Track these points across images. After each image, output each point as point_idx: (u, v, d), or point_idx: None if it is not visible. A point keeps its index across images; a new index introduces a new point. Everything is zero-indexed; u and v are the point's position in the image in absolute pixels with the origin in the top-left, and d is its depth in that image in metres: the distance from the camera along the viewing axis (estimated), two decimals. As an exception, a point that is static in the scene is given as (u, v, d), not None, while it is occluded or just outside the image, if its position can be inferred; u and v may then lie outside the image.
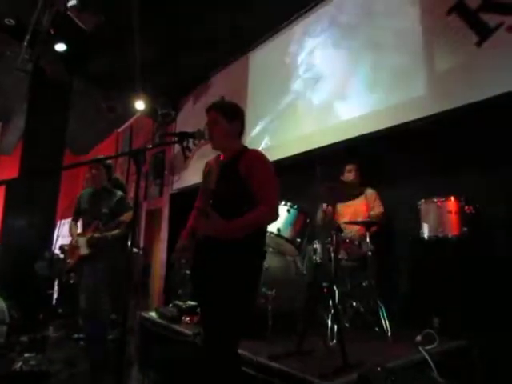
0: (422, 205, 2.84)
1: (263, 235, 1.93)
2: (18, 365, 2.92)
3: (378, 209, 3.37)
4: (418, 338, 2.50)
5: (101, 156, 5.24)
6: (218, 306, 1.75)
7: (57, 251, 4.61)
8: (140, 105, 5.99)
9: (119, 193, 3.36)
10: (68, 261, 3.28)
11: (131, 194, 6.14)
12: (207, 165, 2.11)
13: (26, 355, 3.12)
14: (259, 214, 1.76)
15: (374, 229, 3.14)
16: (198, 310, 2.99)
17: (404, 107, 3.31)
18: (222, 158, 2.01)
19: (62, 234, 4.27)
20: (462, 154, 3.04)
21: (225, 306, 1.73)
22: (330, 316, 2.70)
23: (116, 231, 3.19)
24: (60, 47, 4.99)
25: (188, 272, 1.98)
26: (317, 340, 2.60)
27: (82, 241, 3.20)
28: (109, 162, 3.40)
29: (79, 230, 3.35)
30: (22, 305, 3.79)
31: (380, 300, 2.83)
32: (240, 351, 2.39)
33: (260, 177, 1.80)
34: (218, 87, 5.60)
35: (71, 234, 3.38)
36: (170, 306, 3.56)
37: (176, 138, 1.98)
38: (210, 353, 1.77)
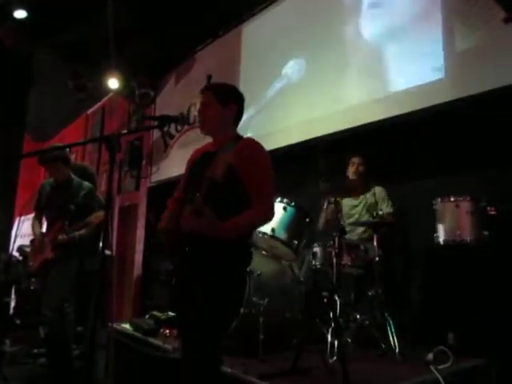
0: (438, 205, 2.86)
1: (249, 238, 1.97)
2: (-27, 380, 2.92)
3: (387, 209, 3.39)
4: (430, 356, 2.51)
5: (59, 144, 5.12)
6: (197, 317, 1.77)
7: (15, 253, 4.57)
8: (114, 83, 5.93)
9: (86, 184, 3.33)
10: (30, 264, 3.26)
11: (102, 188, 6.12)
12: (195, 153, 2.11)
13: (-19, 371, 3.10)
14: (254, 214, 1.80)
15: (382, 231, 3.17)
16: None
17: (417, 93, 3.33)
18: (212, 146, 2.02)
19: (22, 232, 4.23)
20: (484, 149, 3.07)
21: (205, 317, 1.75)
22: (330, 330, 2.72)
23: (84, 231, 3.18)
24: (20, 14, 4.92)
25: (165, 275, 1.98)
26: (315, 357, 2.63)
27: (46, 242, 3.18)
28: (63, 152, 3.32)
29: (44, 229, 3.33)
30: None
31: (387, 313, 2.84)
32: (227, 369, 2.43)
33: (256, 172, 1.82)
34: (205, 64, 5.57)
35: (34, 234, 3.36)
36: (147, 316, 3.57)
37: (156, 123, 1.97)
38: (187, 369, 1.78)
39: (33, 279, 4.47)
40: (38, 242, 3.29)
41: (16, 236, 3.75)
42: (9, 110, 5.46)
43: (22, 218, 4.37)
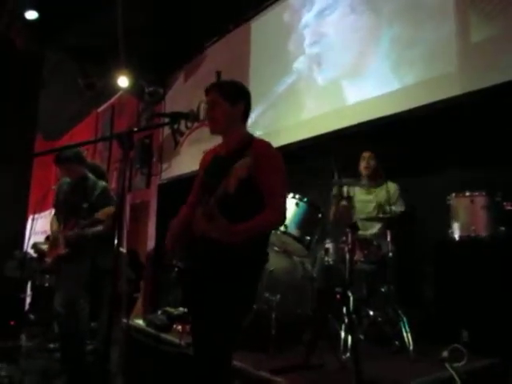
0: (453, 200, 2.83)
1: (266, 239, 1.96)
2: (-11, 375, 2.98)
3: (400, 207, 3.36)
4: (445, 353, 2.49)
5: (73, 143, 5.18)
6: (209, 315, 1.79)
7: (29, 250, 4.63)
8: (123, 81, 5.94)
9: (101, 184, 3.36)
10: (46, 260, 3.30)
11: (113, 185, 6.16)
12: (206, 156, 2.10)
13: (-2, 365, 3.17)
14: (266, 218, 1.80)
15: (395, 227, 3.14)
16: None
17: (430, 86, 3.29)
18: (223, 148, 2.00)
19: (36, 230, 4.28)
20: (499, 143, 3.03)
21: (217, 316, 1.77)
22: (342, 326, 2.71)
23: (98, 228, 3.20)
24: (31, 15, 4.95)
25: (177, 273, 1.99)
26: (327, 353, 2.62)
27: (60, 238, 3.22)
28: (77, 151, 3.34)
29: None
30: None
31: (401, 309, 2.84)
32: (239, 364, 2.43)
33: (268, 175, 1.82)
34: (215, 61, 5.56)
35: (51, 230, 3.40)
36: (159, 312, 3.60)
37: (167, 120, 1.97)
38: (200, 366, 1.81)
39: (47, 276, 4.52)
40: (53, 238, 3.32)
41: (30, 234, 3.80)
42: (21, 110, 5.50)
43: (36, 215, 4.43)
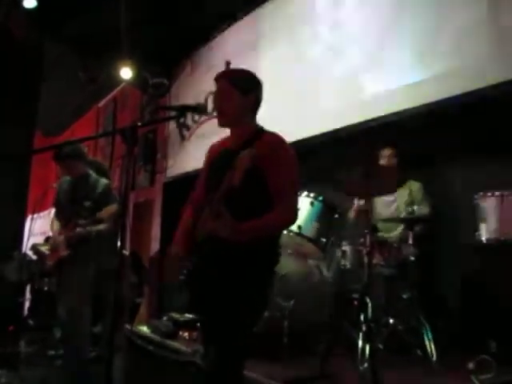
0: (480, 199, 2.79)
1: (277, 239, 1.96)
2: (-12, 382, 3.03)
3: (425, 208, 3.33)
4: (471, 365, 2.48)
5: (73, 139, 5.23)
6: (217, 320, 1.80)
7: (28, 252, 4.67)
8: (126, 73, 5.97)
9: (103, 181, 3.38)
10: (47, 262, 3.33)
11: (116, 183, 6.19)
12: (213, 149, 2.10)
13: (-3, 372, 3.21)
14: (275, 217, 1.79)
15: (418, 229, 3.12)
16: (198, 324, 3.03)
17: (456, 76, 3.25)
18: (231, 142, 1.99)
19: (35, 230, 4.32)
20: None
21: (225, 321, 1.77)
22: (360, 334, 2.69)
23: (101, 226, 3.21)
24: (29, 3, 4.99)
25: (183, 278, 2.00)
26: (343, 363, 2.62)
27: (61, 240, 3.24)
28: (76, 148, 3.35)
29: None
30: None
31: (423, 317, 2.83)
32: (251, 374, 2.44)
33: (278, 171, 1.80)
34: (223, 50, 5.56)
35: (51, 231, 3.43)
36: (165, 318, 3.62)
37: (173, 113, 1.96)
38: (210, 374, 1.83)
39: (46, 279, 4.57)
40: (53, 240, 3.35)
41: (29, 234, 3.84)
42: (20, 105, 5.55)
43: (35, 215, 4.47)
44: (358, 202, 3.33)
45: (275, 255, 1.92)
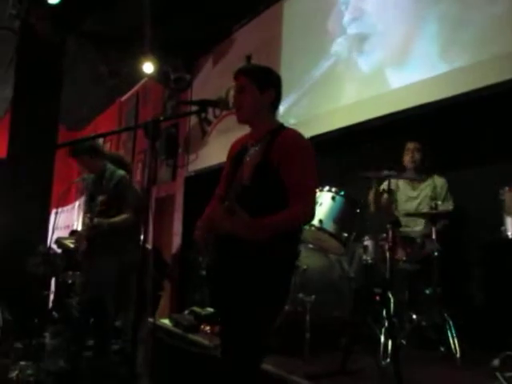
0: (506, 194, 2.75)
1: (296, 234, 1.95)
2: (14, 374, 3.15)
3: (448, 205, 3.31)
4: (495, 362, 2.46)
5: (91, 134, 5.32)
6: (237, 316, 1.82)
7: (53, 245, 4.79)
8: (148, 67, 6.04)
9: (118, 173, 3.44)
10: (76, 257, 3.46)
11: (137, 178, 6.29)
12: (235, 144, 2.11)
13: (22, 363, 3.33)
14: (291, 214, 1.79)
15: (441, 224, 3.11)
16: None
17: (483, 68, 3.20)
18: (251, 138, 2.00)
19: (59, 224, 4.43)
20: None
21: (245, 317, 1.79)
22: (382, 330, 2.71)
23: (116, 219, 3.29)
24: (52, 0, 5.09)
25: (204, 272, 2.03)
26: (365, 359, 2.63)
27: (82, 233, 3.37)
28: (89, 144, 3.42)
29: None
30: (13, 307, 4.01)
31: (447, 313, 2.82)
32: (272, 369, 2.47)
33: (295, 167, 1.80)
34: (244, 44, 5.58)
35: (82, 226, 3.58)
36: (186, 312, 3.68)
37: (194, 108, 1.99)
38: (228, 368, 1.84)
39: (70, 272, 4.69)
40: (77, 234, 3.48)
41: (53, 228, 3.94)
42: (42, 100, 5.66)
43: (59, 209, 4.59)
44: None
45: (295, 251, 1.92)
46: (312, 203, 1.85)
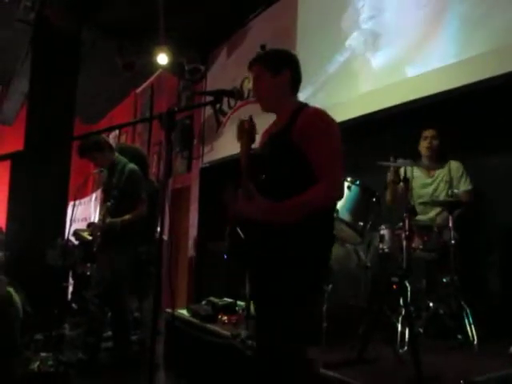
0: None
1: (328, 214, 1.88)
2: (35, 365, 3.25)
3: (464, 186, 3.32)
4: (513, 349, 2.49)
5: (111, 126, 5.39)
6: (275, 305, 1.81)
7: (71, 237, 4.90)
8: (163, 59, 6.08)
9: (128, 167, 3.51)
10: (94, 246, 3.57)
11: (153, 170, 6.36)
12: (263, 135, 2.07)
13: (43, 355, 3.43)
14: (315, 193, 1.72)
15: (458, 211, 3.11)
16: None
17: (498, 55, 3.17)
18: (276, 125, 1.99)
19: (77, 216, 4.52)
20: None
21: (283, 305, 1.78)
22: (400, 319, 2.74)
23: (128, 216, 3.38)
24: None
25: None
26: (382, 347, 2.67)
27: (97, 226, 3.48)
28: (93, 140, 3.48)
29: None
30: (33, 299, 4.12)
31: (464, 301, 2.83)
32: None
33: (320, 144, 1.75)
34: (259, 34, 5.57)
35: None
36: (203, 302, 3.76)
37: (209, 98, 2.02)
38: (275, 364, 1.83)
39: (88, 264, 4.80)
40: (93, 227, 3.60)
41: (71, 221, 4.04)
42: (59, 92, 5.72)
43: (77, 201, 4.69)
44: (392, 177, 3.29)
45: (330, 232, 1.86)
46: (337, 180, 1.79)
